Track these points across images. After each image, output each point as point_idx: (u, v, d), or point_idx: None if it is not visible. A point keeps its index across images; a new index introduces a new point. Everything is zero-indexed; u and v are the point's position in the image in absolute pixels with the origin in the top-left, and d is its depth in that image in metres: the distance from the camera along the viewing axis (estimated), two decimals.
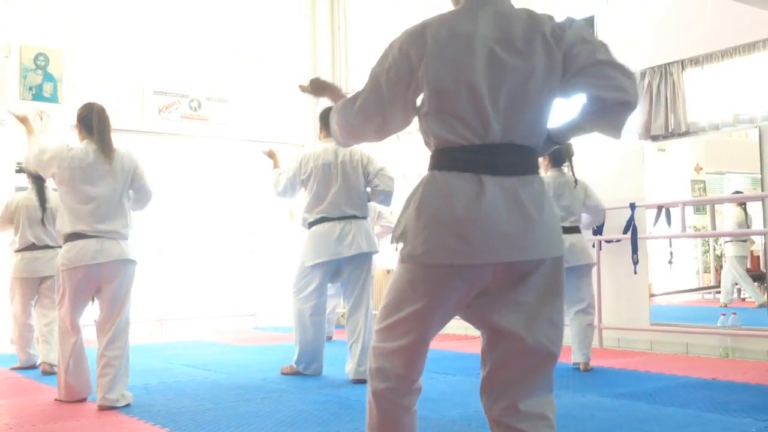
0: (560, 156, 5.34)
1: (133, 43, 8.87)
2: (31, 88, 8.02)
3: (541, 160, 5.52)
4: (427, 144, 1.94)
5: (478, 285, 1.88)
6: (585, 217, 5.56)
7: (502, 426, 1.95)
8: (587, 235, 6.57)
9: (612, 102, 1.85)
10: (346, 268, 5.05)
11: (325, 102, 2.26)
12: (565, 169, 5.41)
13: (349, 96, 2.07)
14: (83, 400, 4.24)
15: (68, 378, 4.21)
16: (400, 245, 1.93)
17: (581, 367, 5.22)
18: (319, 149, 5.11)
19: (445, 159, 1.86)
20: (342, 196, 4.93)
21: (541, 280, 1.88)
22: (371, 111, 1.98)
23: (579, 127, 1.97)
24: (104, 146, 4.15)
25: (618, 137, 1.96)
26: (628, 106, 1.86)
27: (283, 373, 5.19)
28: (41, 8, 8.13)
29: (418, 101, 1.92)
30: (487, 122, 1.82)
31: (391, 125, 2.02)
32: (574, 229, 5.30)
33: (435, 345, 7.28)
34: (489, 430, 2.06)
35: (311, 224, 5.05)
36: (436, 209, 1.83)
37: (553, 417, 1.93)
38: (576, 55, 1.88)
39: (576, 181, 5.33)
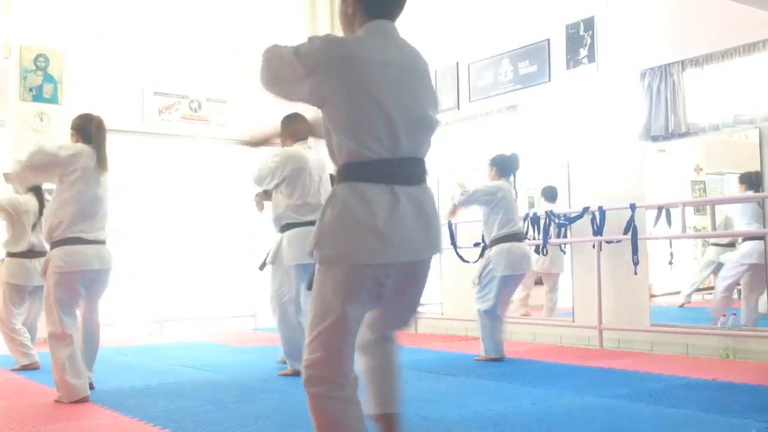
0: (509, 167, 5.84)
1: (132, 44, 8.87)
2: (31, 89, 8.02)
3: (487, 170, 5.92)
4: (335, 156, 2.15)
5: (385, 281, 2.18)
6: None
7: (367, 348, 2.44)
8: (588, 235, 6.58)
9: None
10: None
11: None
12: (511, 179, 5.88)
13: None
14: (85, 398, 4.24)
15: (68, 378, 4.20)
16: (317, 253, 2.15)
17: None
18: (306, 152, 5.18)
19: (359, 171, 2.09)
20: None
21: (423, 272, 2.30)
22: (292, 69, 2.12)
23: None
24: (101, 158, 4.34)
25: None
26: None
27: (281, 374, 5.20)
28: (41, 9, 8.12)
29: (332, 115, 2.11)
30: (398, 139, 2.09)
31: (292, 92, 2.19)
32: (522, 237, 5.89)
33: (435, 346, 7.30)
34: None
35: (292, 226, 5.08)
36: (359, 217, 2.07)
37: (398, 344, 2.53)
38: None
39: (515, 191, 5.82)
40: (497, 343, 5.80)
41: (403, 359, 6.45)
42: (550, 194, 7.92)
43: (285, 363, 5.37)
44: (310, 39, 2.10)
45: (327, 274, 2.13)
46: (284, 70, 2.12)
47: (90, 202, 4.28)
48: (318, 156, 5.19)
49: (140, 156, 8.71)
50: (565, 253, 7.07)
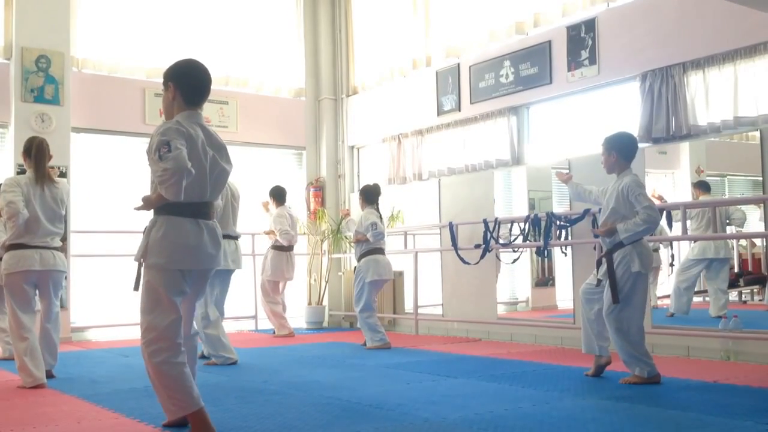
0: (372, 196, 7.20)
1: (134, 45, 8.89)
2: (32, 90, 8.02)
3: (358, 198, 7.11)
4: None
5: (189, 281, 3.35)
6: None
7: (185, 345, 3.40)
8: (589, 236, 6.58)
9: (160, 182, 3.17)
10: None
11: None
12: (377, 205, 7.22)
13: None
14: (41, 386, 4.86)
15: (29, 366, 4.88)
16: (143, 260, 3.32)
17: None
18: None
19: (180, 208, 3.25)
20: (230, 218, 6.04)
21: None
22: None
23: None
24: (39, 175, 4.97)
25: (170, 197, 3.24)
26: (164, 174, 3.13)
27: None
28: (43, 11, 8.13)
29: None
30: (206, 191, 3.30)
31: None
32: (382, 251, 7.17)
33: (436, 348, 7.29)
34: None
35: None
36: (177, 238, 3.23)
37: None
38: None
39: (380, 215, 7.20)
40: (380, 332, 7.05)
41: (404, 361, 6.46)
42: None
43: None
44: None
45: (153, 275, 3.24)
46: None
47: (31, 220, 4.87)
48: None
49: (141, 157, 8.71)
50: (566, 255, 7.07)
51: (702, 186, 6.87)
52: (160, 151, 3.12)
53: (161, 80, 3.63)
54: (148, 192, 3.42)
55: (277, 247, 8.36)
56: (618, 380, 4.81)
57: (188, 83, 3.37)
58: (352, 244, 7.55)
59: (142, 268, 3.33)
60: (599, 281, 4.95)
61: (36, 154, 4.98)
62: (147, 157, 3.30)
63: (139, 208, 3.41)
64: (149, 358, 3.25)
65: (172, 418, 3.43)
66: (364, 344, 7.13)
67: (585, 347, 5.09)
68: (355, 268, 7.49)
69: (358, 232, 7.16)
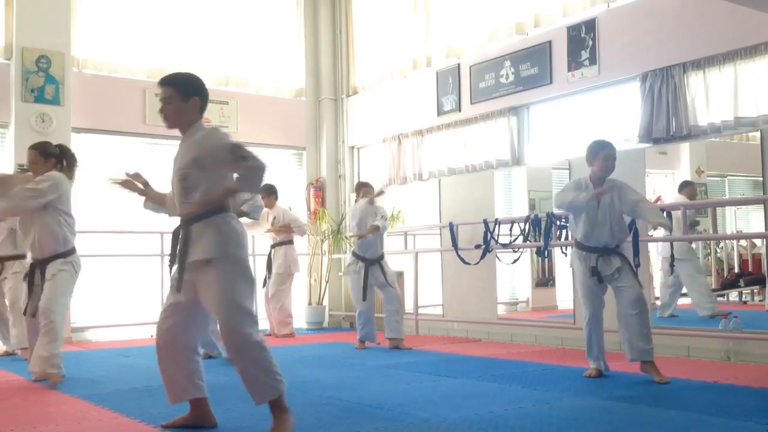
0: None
1: (134, 45, 8.89)
2: (33, 90, 8.02)
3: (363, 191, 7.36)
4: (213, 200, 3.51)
5: None
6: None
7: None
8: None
9: (249, 178, 3.42)
10: None
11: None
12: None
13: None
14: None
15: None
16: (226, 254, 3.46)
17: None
18: None
19: (223, 205, 3.48)
20: None
21: None
22: None
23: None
24: (70, 176, 5.21)
25: (257, 192, 4.00)
26: (257, 171, 3.35)
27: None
28: (43, 11, 8.13)
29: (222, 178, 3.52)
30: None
31: None
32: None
33: (436, 348, 7.29)
34: None
35: None
36: (239, 228, 3.53)
37: None
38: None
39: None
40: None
41: (404, 361, 6.45)
42: None
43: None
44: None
45: (241, 265, 3.48)
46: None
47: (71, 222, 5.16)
48: None
49: (142, 157, 8.72)
50: (566, 255, 7.07)
51: (685, 186, 6.85)
52: (240, 150, 3.33)
53: (165, 83, 3.66)
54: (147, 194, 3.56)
55: (288, 242, 8.37)
56: (618, 380, 4.81)
57: (206, 97, 3.80)
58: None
59: (221, 265, 3.41)
60: (601, 277, 5.00)
61: (69, 160, 5.23)
62: (208, 160, 3.44)
63: (198, 212, 3.49)
64: (250, 338, 3.31)
65: (272, 398, 3.36)
66: (399, 343, 6.91)
67: (589, 357, 5.14)
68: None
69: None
